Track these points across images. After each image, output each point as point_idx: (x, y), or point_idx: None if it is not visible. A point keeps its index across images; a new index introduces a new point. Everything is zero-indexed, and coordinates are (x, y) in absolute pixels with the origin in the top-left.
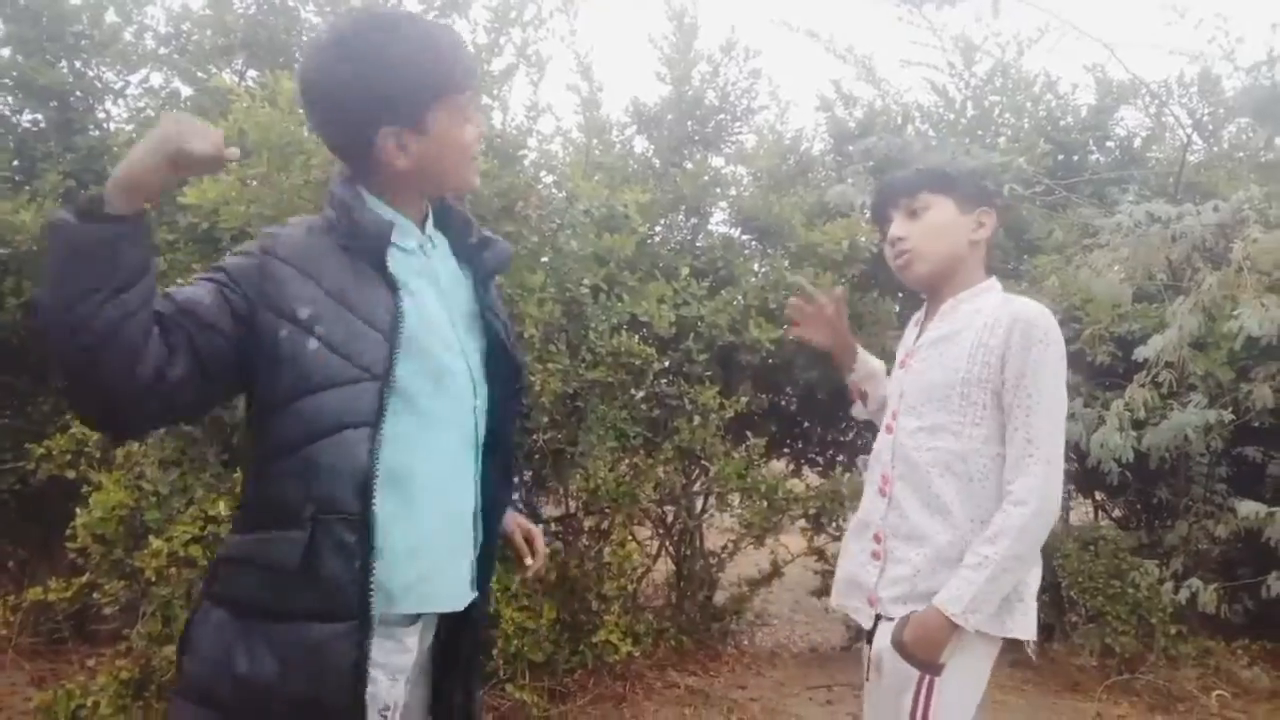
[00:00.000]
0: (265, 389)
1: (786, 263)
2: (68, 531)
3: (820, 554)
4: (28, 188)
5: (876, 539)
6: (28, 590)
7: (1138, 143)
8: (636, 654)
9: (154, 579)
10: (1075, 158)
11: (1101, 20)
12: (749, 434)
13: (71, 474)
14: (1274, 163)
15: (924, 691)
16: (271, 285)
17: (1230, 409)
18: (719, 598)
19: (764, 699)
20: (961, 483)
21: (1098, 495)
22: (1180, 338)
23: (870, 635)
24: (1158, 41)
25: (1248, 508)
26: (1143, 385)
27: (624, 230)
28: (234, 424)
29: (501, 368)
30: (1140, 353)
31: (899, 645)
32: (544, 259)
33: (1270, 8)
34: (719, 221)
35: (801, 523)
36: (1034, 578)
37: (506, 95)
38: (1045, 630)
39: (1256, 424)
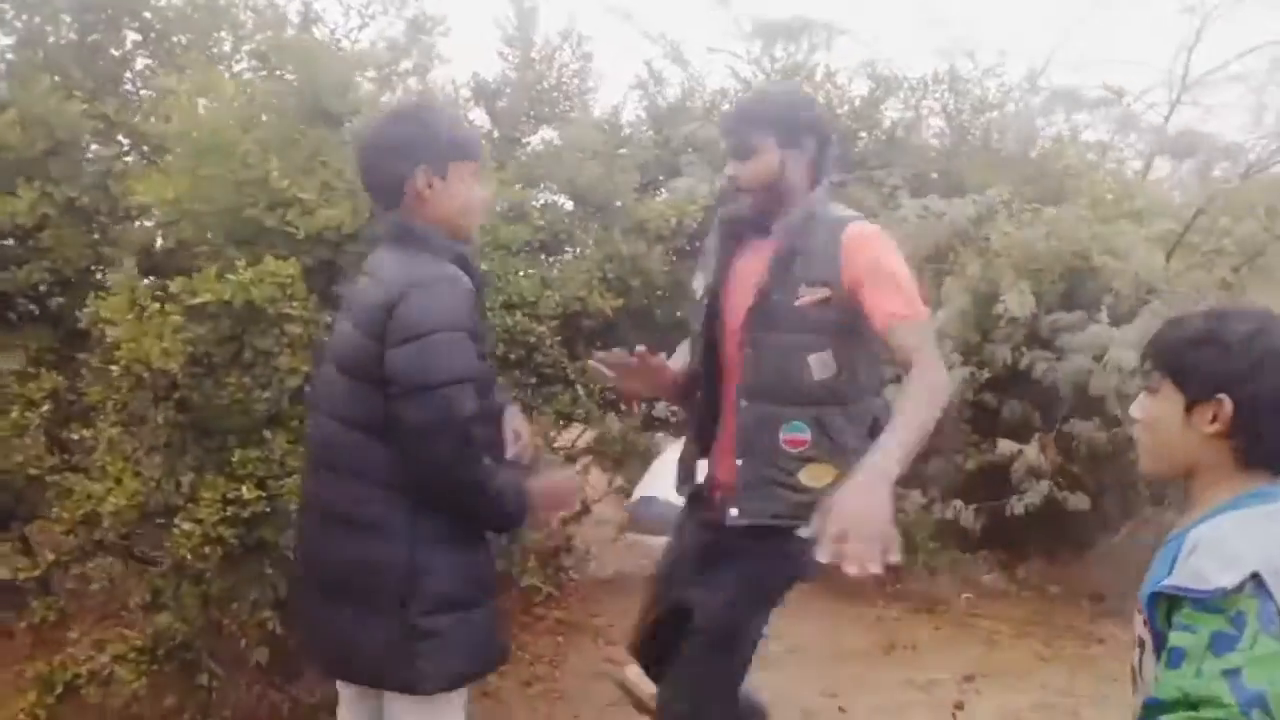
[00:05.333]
0: None
1: (619, 235)
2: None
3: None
4: None
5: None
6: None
7: (900, 132)
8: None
9: (188, 557)
10: (851, 144)
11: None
12: None
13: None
14: (1016, 160)
15: None
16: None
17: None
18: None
19: (619, 623)
20: None
21: None
22: (958, 314)
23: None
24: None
25: (1006, 446)
26: None
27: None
28: (208, 407)
29: None
30: None
31: None
32: None
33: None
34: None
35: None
36: None
37: None
38: None
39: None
